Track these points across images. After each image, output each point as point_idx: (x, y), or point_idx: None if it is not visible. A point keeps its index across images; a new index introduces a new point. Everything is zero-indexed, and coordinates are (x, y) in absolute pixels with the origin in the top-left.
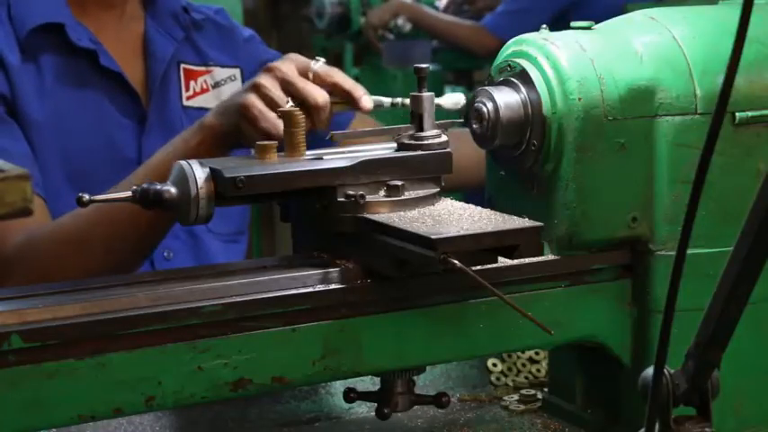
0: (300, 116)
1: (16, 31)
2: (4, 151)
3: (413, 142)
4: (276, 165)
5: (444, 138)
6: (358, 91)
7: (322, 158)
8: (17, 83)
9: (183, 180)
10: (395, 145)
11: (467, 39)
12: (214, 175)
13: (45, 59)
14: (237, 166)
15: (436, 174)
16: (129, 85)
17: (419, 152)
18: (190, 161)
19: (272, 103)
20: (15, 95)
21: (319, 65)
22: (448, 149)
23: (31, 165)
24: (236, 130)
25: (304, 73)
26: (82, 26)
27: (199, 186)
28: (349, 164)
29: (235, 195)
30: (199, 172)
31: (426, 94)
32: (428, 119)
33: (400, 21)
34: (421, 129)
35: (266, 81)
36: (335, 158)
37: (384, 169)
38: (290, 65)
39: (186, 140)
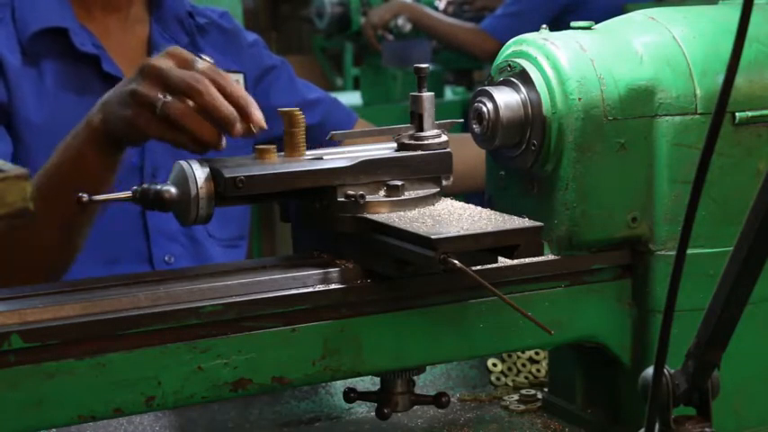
0: (301, 116)
1: (19, 34)
2: None
3: (413, 142)
4: (276, 165)
5: (444, 138)
6: (250, 107)
7: (322, 158)
8: (16, 85)
9: (183, 180)
10: (395, 145)
11: (467, 42)
12: (214, 174)
13: (46, 64)
14: (237, 166)
15: (436, 174)
16: None
17: (419, 152)
18: (189, 161)
19: (166, 87)
20: (13, 97)
21: (205, 64)
22: (448, 149)
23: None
24: (122, 125)
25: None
26: (86, 31)
27: (199, 186)
28: (349, 164)
29: (235, 195)
30: (199, 172)
31: (426, 94)
32: (428, 119)
33: (400, 21)
34: (421, 129)
35: (151, 72)
36: (335, 158)
37: (384, 169)
38: (167, 61)
39: (68, 142)
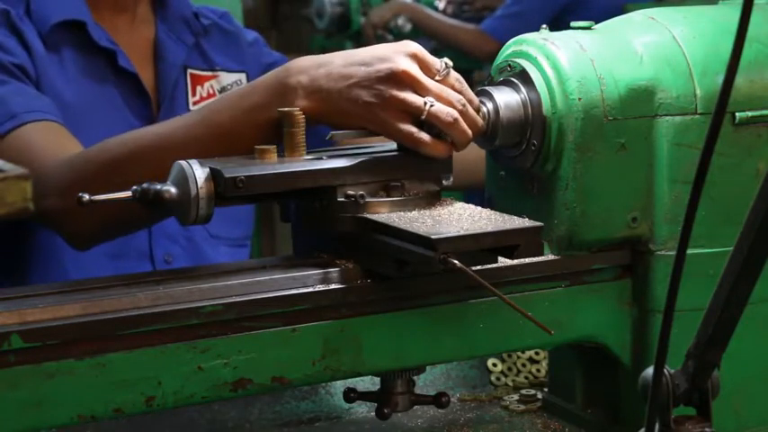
0: (300, 116)
1: (38, 26)
2: (37, 97)
3: None
4: (276, 165)
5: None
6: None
7: (322, 158)
8: (42, 70)
9: (183, 180)
10: (395, 144)
11: (467, 43)
12: (214, 174)
13: (67, 53)
14: (237, 166)
15: (436, 174)
16: (143, 87)
17: (419, 152)
18: (190, 161)
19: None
20: (42, 78)
21: (449, 71)
22: None
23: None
24: (360, 120)
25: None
26: (100, 26)
27: (199, 186)
28: (349, 164)
29: (235, 195)
30: (199, 172)
31: None
32: None
33: (401, 21)
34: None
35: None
36: (336, 158)
37: (384, 169)
38: (414, 64)
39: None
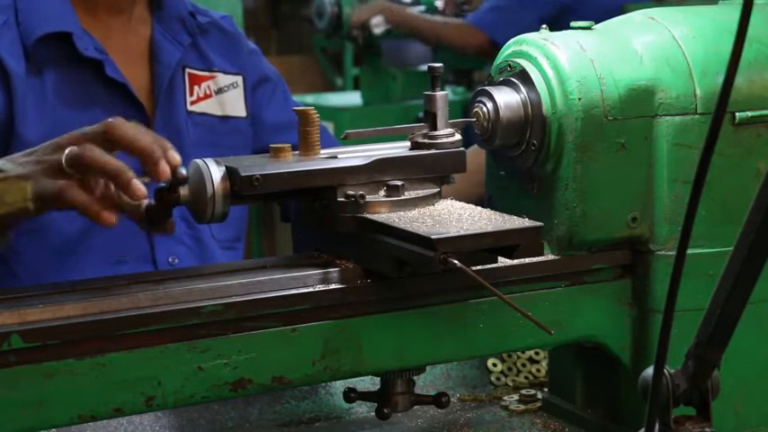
0: (315, 115)
1: (23, 38)
2: None
3: (427, 141)
4: (291, 163)
5: (458, 137)
6: (155, 153)
7: (337, 157)
8: (20, 98)
9: (200, 179)
10: (408, 144)
11: (454, 38)
12: (230, 173)
13: (49, 72)
14: (253, 165)
15: (450, 172)
16: (134, 95)
17: (433, 151)
18: (205, 159)
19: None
20: (15, 112)
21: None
22: (461, 148)
23: None
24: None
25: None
26: (88, 35)
27: (215, 185)
28: (364, 163)
29: (251, 194)
30: (215, 170)
31: (440, 93)
32: (441, 118)
33: (375, 20)
34: (435, 128)
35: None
36: (350, 157)
37: (398, 168)
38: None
39: None
